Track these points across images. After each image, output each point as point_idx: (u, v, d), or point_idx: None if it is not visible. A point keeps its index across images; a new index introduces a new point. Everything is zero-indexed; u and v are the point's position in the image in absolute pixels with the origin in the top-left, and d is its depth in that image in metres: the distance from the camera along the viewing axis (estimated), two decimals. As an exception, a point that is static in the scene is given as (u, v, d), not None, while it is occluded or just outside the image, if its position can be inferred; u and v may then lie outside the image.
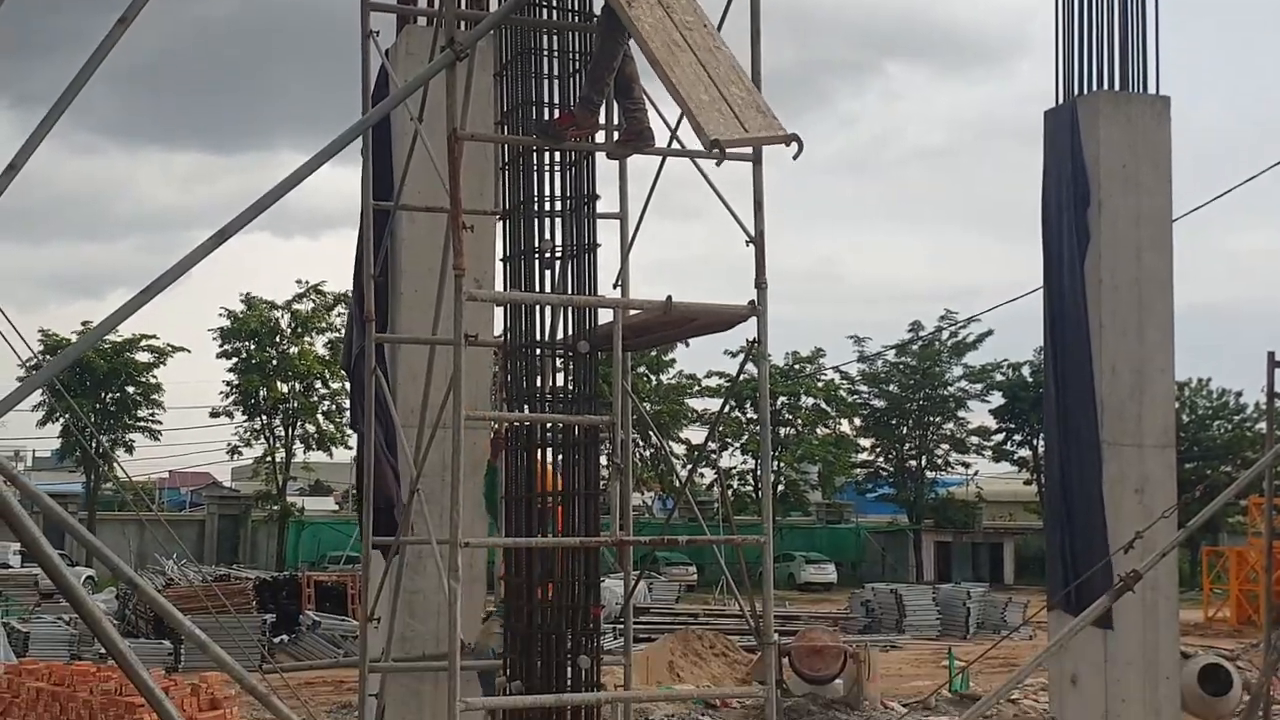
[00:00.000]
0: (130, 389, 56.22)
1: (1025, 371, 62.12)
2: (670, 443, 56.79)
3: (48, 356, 36.82)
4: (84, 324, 49.96)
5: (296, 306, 55.60)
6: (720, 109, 6.37)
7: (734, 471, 60.59)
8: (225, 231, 4.88)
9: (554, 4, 8.83)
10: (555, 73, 8.76)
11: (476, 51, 7.46)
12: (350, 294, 10.72)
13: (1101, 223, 11.94)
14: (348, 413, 29.10)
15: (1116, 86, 12.65)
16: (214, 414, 56.95)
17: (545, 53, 8.76)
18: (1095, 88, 12.65)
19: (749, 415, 58.48)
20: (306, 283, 55.14)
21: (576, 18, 8.83)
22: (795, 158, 6.64)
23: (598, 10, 8.23)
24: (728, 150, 6.72)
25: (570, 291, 8.52)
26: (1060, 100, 12.90)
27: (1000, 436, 63.91)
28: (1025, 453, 62.98)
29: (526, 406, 8.61)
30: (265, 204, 5.06)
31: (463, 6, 10.11)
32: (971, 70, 63.72)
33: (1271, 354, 12.34)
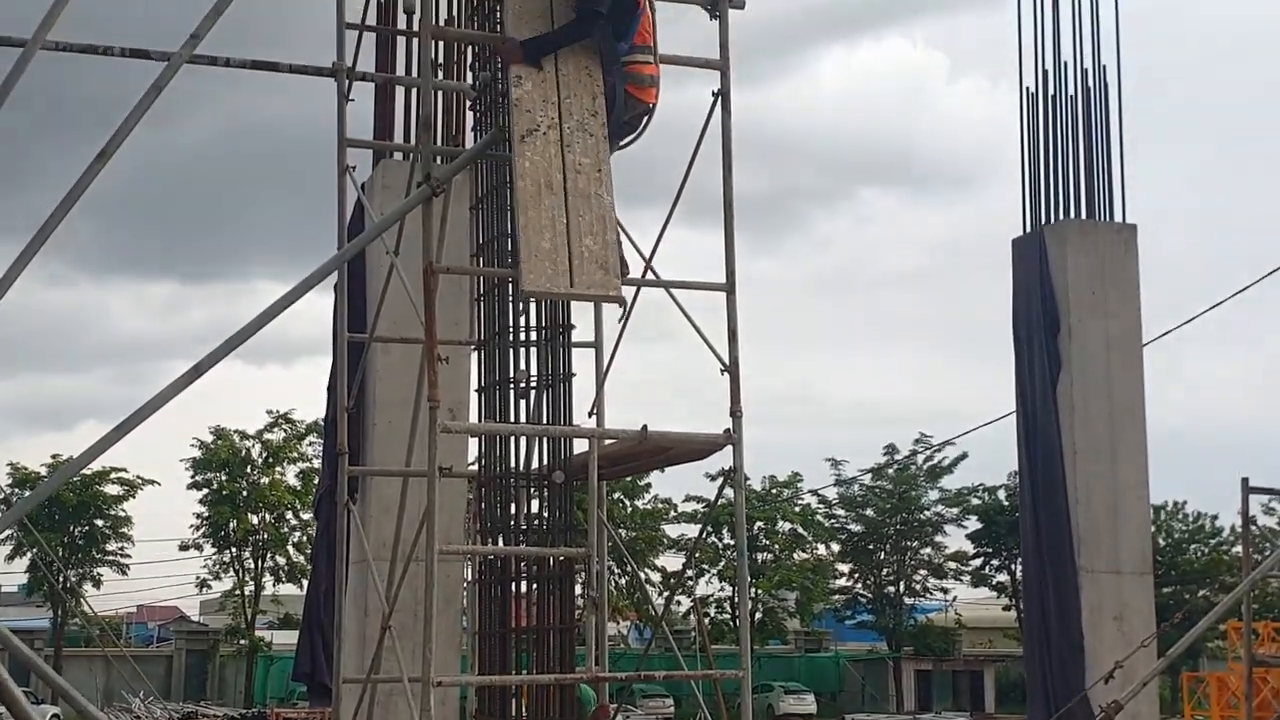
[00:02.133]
0: (99, 522, 55.58)
1: (1001, 495, 62.05)
2: (646, 570, 56.34)
3: (16, 490, 36.42)
4: (54, 457, 49.51)
5: (268, 436, 55.28)
6: (555, 260, 6.54)
7: (711, 599, 60.05)
8: (200, 367, 4.87)
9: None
10: (529, 205, 8.82)
11: (452, 185, 7.53)
12: (322, 424, 10.68)
13: (1072, 349, 12.05)
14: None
15: (1083, 214, 12.84)
16: (183, 547, 56.29)
17: (519, 186, 8.83)
18: (1062, 215, 12.84)
19: (726, 541, 58.13)
20: (277, 412, 54.91)
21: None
22: (620, 320, 7.35)
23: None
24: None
25: (545, 421, 8.51)
26: (1028, 228, 13.08)
27: (978, 561, 63.65)
28: (1003, 578, 62.71)
29: (501, 538, 8.54)
30: (240, 339, 5.06)
31: (439, 143, 10.23)
32: (943, 194, 64.84)
33: (1245, 480, 12.35)
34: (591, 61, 7.21)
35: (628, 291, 8.71)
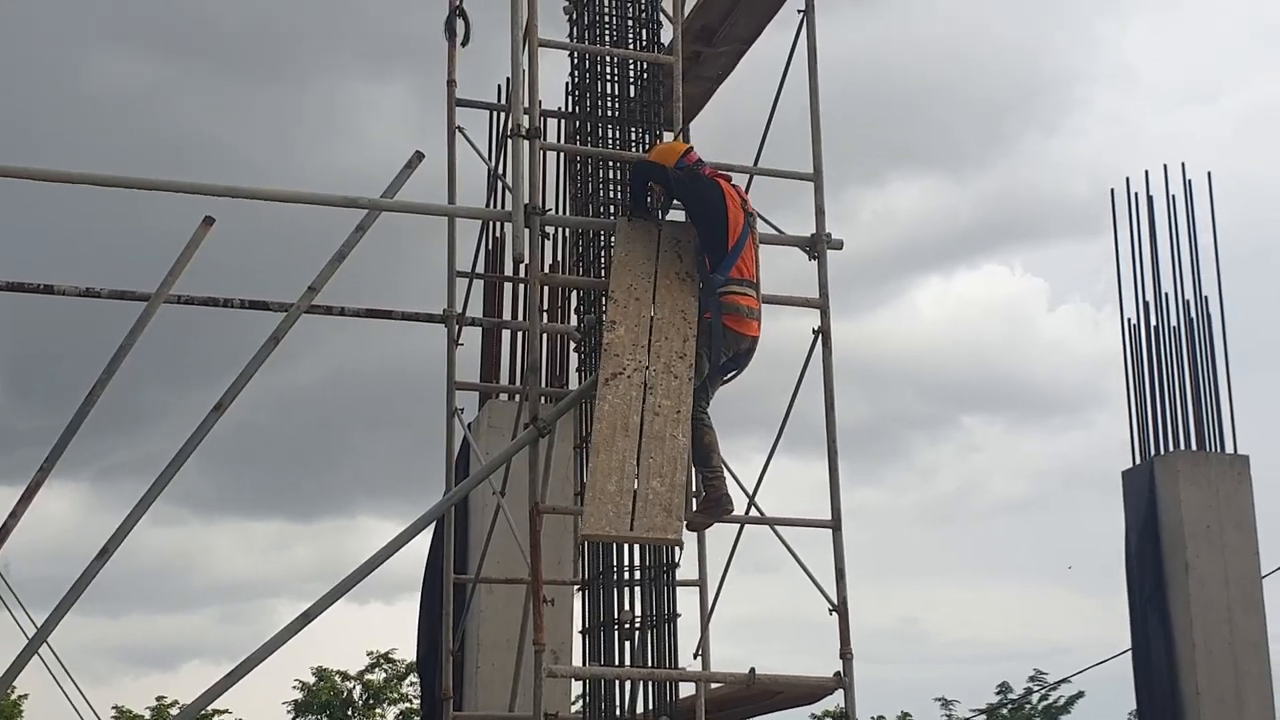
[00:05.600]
0: (201, 766, 55.07)
1: (1121, 736, 59.57)
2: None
3: (121, 735, 36.48)
4: (158, 699, 49.57)
5: (369, 677, 54.96)
6: (619, 502, 6.53)
7: None
8: (309, 614, 4.91)
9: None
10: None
11: (557, 425, 7.62)
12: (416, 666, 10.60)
13: (1190, 585, 11.72)
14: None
15: (1193, 445, 12.65)
16: (284, 790, 55.52)
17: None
18: (1172, 447, 12.65)
19: (834, 787, 56.16)
20: (378, 653, 54.66)
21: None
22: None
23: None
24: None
25: (650, 663, 8.37)
26: (1137, 459, 12.89)
27: (1099, 807, 60.74)
28: (1128, 824, 59.71)
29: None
30: (350, 583, 5.11)
31: (544, 384, 10.39)
32: (1049, 421, 63.96)
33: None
34: (688, 305, 7.33)
35: (732, 528, 8.70)
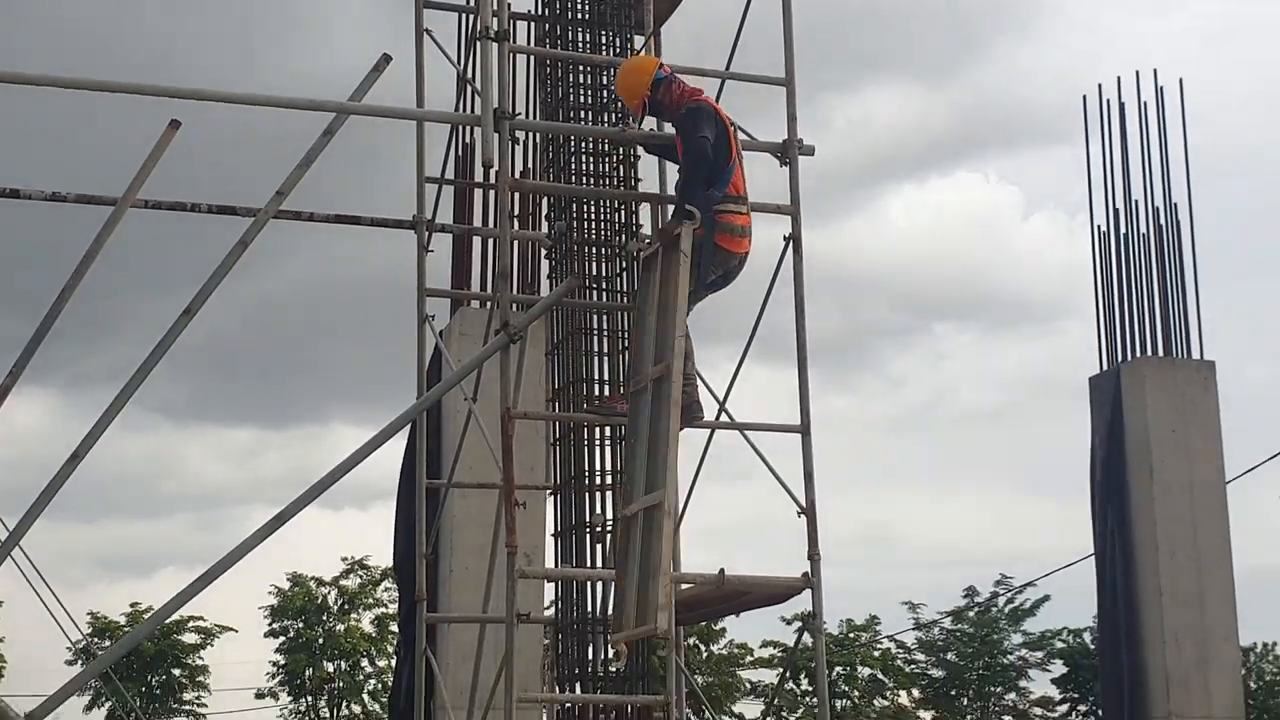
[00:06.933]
0: (176, 671, 55.57)
1: (1086, 638, 60.54)
2: (724, 717, 55.35)
3: (96, 640, 36.78)
4: (133, 605, 49.87)
5: (344, 582, 55.31)
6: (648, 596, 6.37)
7: (790, 748, 58.66)
8: (282, 516, 4.94)
9: (604, 286, 9.06)
10: (605, 350, 8.92)
11: (528, 331, 7.63)
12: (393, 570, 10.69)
13: (1154, 490, 11.89)
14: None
15: (1160, 352, 12.75)
16: (259, 695, 56.09)
17: (595, 332, 8.95)
18: (1139, 353, 12.75)
19: (804, 687, 57.00)
20: (353, 558, 54.97)
21: (625, 299, 9.05)
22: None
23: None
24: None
25: (621, 566, 8.46)
26: (1105, 366, 13.00)
27: (1064, 707, 61.87)
28: (1091, 724, 60.87)
29: (579, 685, 8.47)
30: (322, 487, 5.13)
31: (515, 291, 10.38)
32: (1021, 329, 64.06)
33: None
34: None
35: (703, 433, 8.76)
